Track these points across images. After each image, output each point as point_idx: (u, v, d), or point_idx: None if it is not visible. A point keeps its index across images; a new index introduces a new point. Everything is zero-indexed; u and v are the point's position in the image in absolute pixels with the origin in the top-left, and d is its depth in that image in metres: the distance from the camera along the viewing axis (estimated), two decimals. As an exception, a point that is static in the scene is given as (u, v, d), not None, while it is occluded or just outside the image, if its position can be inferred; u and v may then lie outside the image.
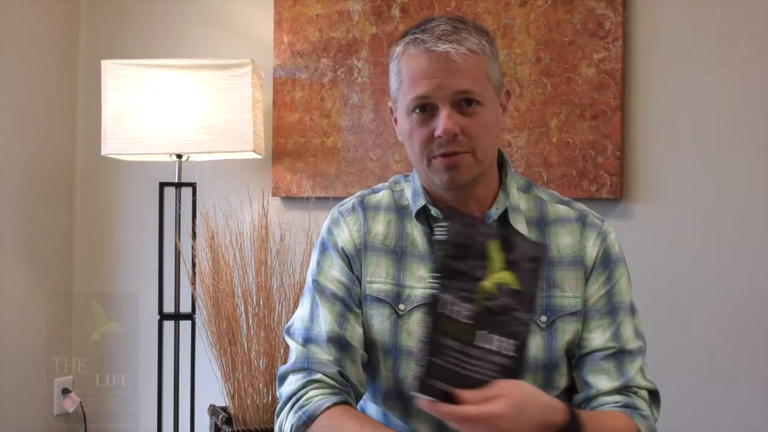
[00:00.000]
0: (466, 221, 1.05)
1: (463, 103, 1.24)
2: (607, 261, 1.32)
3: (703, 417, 2.10)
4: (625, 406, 1.26)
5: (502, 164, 1.37)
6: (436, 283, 1.05)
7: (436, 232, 1.05)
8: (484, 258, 1.04)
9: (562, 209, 1.35)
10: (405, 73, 1.27)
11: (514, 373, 1.07)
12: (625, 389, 1.28)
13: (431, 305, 1.05)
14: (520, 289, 1.06)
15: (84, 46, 3.01)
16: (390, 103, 1.36)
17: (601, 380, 1.28)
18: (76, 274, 3.02)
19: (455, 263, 1.04)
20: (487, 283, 1.05)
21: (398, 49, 1.30)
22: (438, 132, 1.23)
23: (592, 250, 1.32)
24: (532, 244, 1.08)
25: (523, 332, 1.07)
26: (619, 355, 1.29)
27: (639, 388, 1.28)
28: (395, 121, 1.35)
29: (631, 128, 2.20)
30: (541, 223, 1.33)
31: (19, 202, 2.80)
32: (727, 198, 2.10)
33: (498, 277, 1.05)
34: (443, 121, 1.23)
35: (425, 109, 1.25)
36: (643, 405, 1.27)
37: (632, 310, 1.33)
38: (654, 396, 1.31)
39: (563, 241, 1.32)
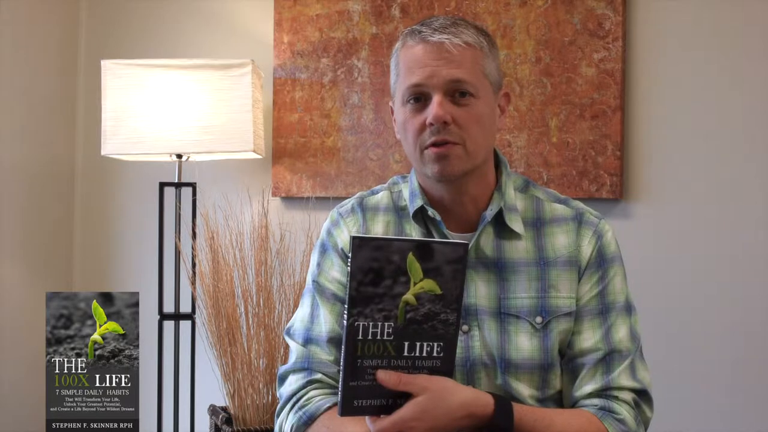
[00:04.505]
0: (375, 245, 1.05)
1: (457, 94, 1.25)
2: (601, 260, 1.32)
3: (704, 418, 2.10)
4: (601, 408, 1.26)
5: (498, 164, 1.37)
6: (350, 313, 1.06)
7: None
8: (404, 273, 1.06)
9: (559, 208, 1.35)
10: (402, 64, 1.29)
11: (443, 373, 1.12)
12: (605, 391, 1.27)
13: (347, 335, 1.06)
14: (442, 292, 1.08)
15: (84, 46, 3.02)
16: (390, 103, 1.37)
17: (585, 384, 1.28)
18: (76, 274, 3.02)
19: (369, 289, 1.05)
20: (408, 296, 1.07)
21: (398, 43, 1.33)
22: (429, 119, 1.24)
23: (586, 249, 1.31)
24: (452, 246, 1.09)
25: (449, 332, 1.10)
26: (608, 357, 1.28)
27: (621, 389, 1.27)
28: (394, 120, 1.35)
29: (631, 128, 2.20)
30: (538, 222, 1.34)
31: (19, 202, 2.80)
32: (728, 198, 2.10)
33: (418, 287, 1.07)
34: (434, 108, 1.24)
35: (419, 99, 1.27)
36: (621, 408, 1.26)
37: (628, 310, 1.32)
38: (642, 395, 1.30)
39: (559, 241, 1.32)
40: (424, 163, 1.28)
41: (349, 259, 1.05)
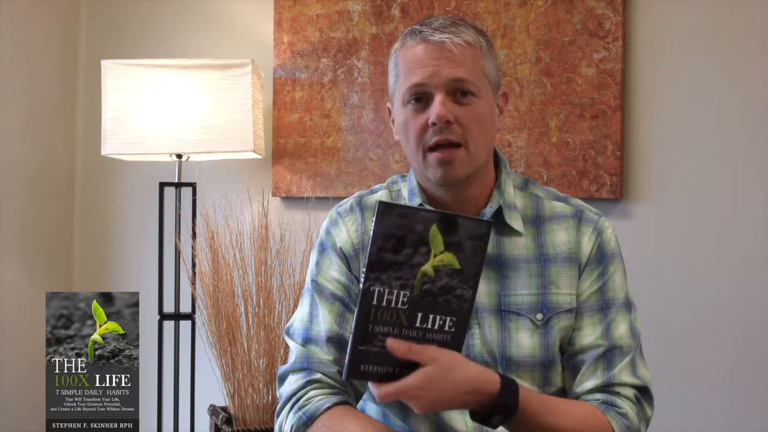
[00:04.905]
0: (400, 212, 1.05)
1: (458, 93, 1.25)
2: (601, 257, 1.32)
3: (704, 418, 2.10)
4: (604, 402, 1.26)
5: (497, 163, 1.37)
6: (367, 277, 1.06)
7: (371, 229, 1.07)
8: (426, 244, 1.06)
9: (559, 206, 1.35)
10: (402, 65, 1.29)
11: (452, 349, 1.11)
12: (607, 387, 1.28)
13: (362, 299, 1.06)
14: (460, 267, 1.07)
15: (84, 46, 3.02)
16: (388, 104, 1.37)
17: (587, 379, 1.28)
18: (76, 274, 3.02)
19: (389, 255, 1.05)
20: (427, 267, 1.06)
21: (397, 44, 1.32)
22: (432, 119, 1.24)
23: (586, 245, 1.32)
24: (476, 222, 1.09)
25: (464, 308, 1.10)
26: (608, 353, 1.28)
27: (623, 385, 1.28)
28: (393, 121, 1.35)
29: (631, 128, 2.20)
30: (537, 220, 1.34)
31: (19, 202, 2.80)
32: (727, 198, 2.10)
33: (437, 259, 1.06)
34: (437, 107, 1.24)
35: (420, 99, 1.27)
36: (623, 403, 1.27)
37: (628, 306, 1.33)
38: (643, 392, 1.30)
39: (559, 237, 1.32)
40: (426, 167, 1.28)
41: (373, 223, 1.05)
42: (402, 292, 1.06)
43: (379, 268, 1.05)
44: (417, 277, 1.06)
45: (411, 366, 1.09)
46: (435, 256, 1.06)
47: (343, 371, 1.10)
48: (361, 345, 1.07)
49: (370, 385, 1.12)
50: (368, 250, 1.05)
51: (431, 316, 1.09)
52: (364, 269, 1.06)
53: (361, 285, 1.06)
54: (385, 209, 1.04)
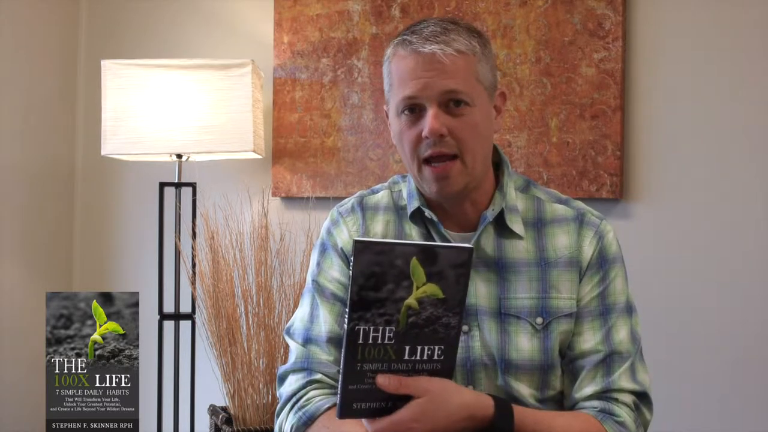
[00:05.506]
0: (378, 249, 1.03)
1: (451, 103, 1.24)
2: (602, 261, 1.31)
3: (704, 418, 2.10)
4: (601, 411, 1.26)
5: (499, 164, 1.37)
6: (350, 317, 1.04)
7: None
8: (407, 277, 1.04)
9: (560, 209, 1.35)
10: (394, 74, 1.28)
11: (444, 375, 1.11)
12: (605, 393, 1.27)
13: (347, 339, 1.04)
14: (444, 297, 1.06)
15: (84, 46, 3.02)
16: (385, 107, 1.37)
17: (585, 386, 1.28)
18: (76, 274, 3.02)
19: (371, 293, 1.03)
20: (411, 300, 1.05)
21: (389, 51, 1.31)
22: (424, 132, 1.23)
23: (588, 250, 1.31)
24: (456, 250, 1.07)
25: (451, 335, 1.08)
26: (608, 359, 1.28)
27: (621, 391, 1.27)
28: (390, 125, 1.35)
29: (631, 128, 2.20)
30: (539, 223, 1.33)
31: (19, 202, 2.80)
32: (727, 198, 2.10)
33: (420, 291, 1.05)
34: (429, 121, 1.23)
35: (414, 110, 1.26)
36: (621, 410, 1.26)
37: (629, 311, 1.32)
38: (642, 398, 1.30)
39: (560, 241, 1.32)
40: (422, 179, 1.28)
41: (351, 263, 1.03)
42: (388, 328, 1.05)
43: (362, 307, 1.03)
44: (401, 311, 1.05)
45: (404, 398, 1.08)
46: (417, 288, 1.04)
47: (336, 411, 1.09)
48: (351, 384, 1.06)
49: (364, 421, 1.11)
50: (349, 290, 1.03)
51: (419, 348, 1.08)
52: (346, 309, 1.04)
53: (345, 325, 1.05)
54: (362, 247, 1.02)
